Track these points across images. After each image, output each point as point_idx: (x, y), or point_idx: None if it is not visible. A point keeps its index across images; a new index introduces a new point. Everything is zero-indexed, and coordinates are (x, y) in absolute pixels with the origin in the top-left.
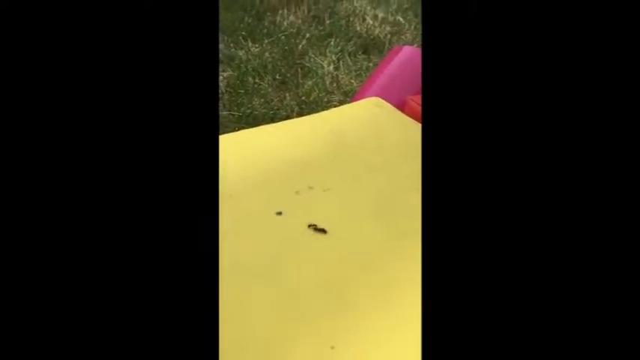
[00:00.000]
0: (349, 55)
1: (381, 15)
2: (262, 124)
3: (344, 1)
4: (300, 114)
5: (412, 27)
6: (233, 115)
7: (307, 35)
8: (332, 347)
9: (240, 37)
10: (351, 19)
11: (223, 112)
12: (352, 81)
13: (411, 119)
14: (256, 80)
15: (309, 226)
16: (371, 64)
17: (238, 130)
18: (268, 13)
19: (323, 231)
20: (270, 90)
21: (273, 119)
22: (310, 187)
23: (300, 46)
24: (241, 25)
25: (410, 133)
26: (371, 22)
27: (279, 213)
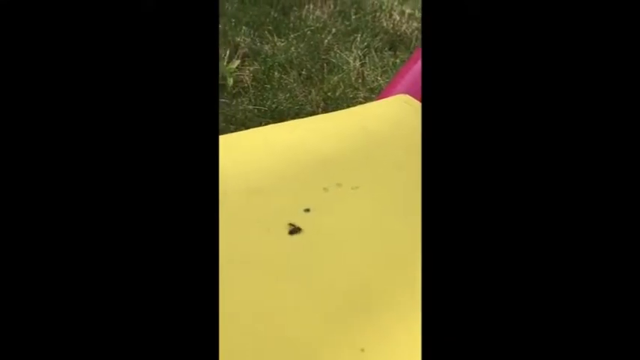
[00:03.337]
0: (375, 51)
1: (408, 11)
2: (287, 119)
3: None
4: (326, 110)
5: None
6: (259, 109)
7: (333, 30)
8: (362, 350)
9: (266, 32)
10: (378, 14)
11: (249, 107)
12: (378, 77)
13: None
14: (282, 75)
15: (289, 225)
16: (397, 61)
17: (264, 124)
18: (294, 8)
19: (298, 230)
20: (295, 85)
21: (298, 114)
22: (338, 185)
23: (326, 41)
24: (267, 20)
25: None
26: (398, 18)
27: (307, 210)
